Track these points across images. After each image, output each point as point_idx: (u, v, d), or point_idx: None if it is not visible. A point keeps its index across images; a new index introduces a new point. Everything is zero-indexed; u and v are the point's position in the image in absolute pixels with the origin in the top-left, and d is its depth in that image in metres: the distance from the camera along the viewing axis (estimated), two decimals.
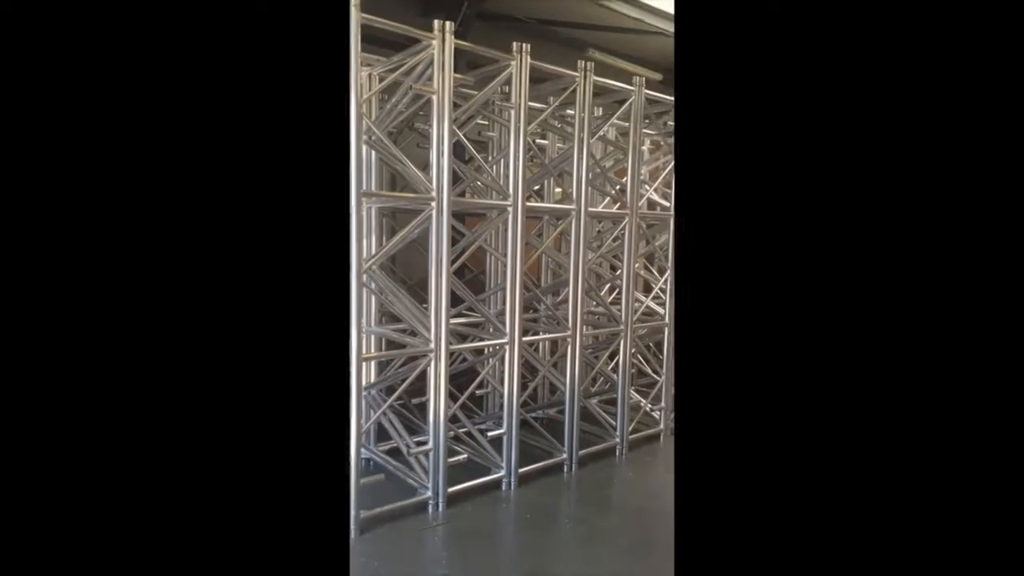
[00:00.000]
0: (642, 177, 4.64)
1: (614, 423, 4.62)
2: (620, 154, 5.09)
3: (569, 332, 4.18)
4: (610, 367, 4.85)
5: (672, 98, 4.61)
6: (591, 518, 3.67)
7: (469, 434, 4.15)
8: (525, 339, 3.99)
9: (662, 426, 4.95)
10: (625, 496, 4.05)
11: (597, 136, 4.38)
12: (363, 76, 3.78)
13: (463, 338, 4.24)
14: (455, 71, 3.37)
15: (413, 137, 4.62)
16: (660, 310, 4.94)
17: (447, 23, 3.31)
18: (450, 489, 3.67)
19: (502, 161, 4.38)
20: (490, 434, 3.94)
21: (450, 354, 3.61)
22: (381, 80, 3.80)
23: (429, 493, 3.61)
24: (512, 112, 3.69)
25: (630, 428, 4.67)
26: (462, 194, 4.36)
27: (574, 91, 3.96)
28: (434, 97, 3.36)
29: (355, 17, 2.91)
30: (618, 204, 4.52)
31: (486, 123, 4.87)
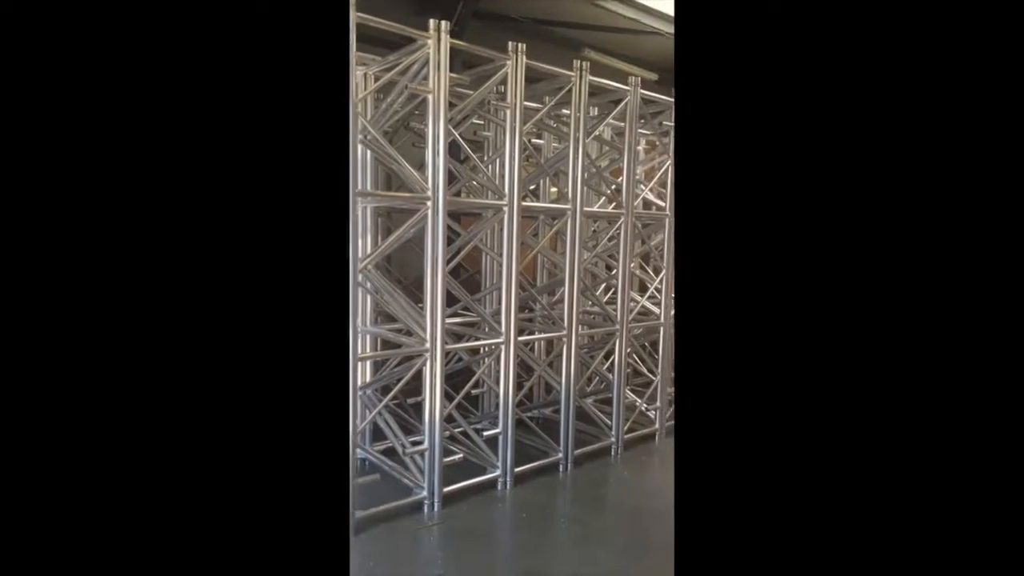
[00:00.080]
0: (637, 177, 4.64)
1: (609, 422, 4.62)
2: (616, 154, 5.10)
3: (565, 332, 4.18)
4: (605, 367, 4.85)
5: (667, 98, 4.62)
6: (587, 518, 3.67)
7: (465, 434, 4.14)
8: (521, 339, 3.99)
9: (657, 425, 4.96)
10: (621, 495, 4.06)
11: (593, 136, 4.38)
12: (358, 75, 3.77)
13: (459, 338, 4.24)
14: (451, 70, 3.37)
15: (409, 136, 4.62)
16: (655, 310, 4.95)
17: (443, 22, 3.31)
18: (446, 489, 3.66)
19: (498, 161, 4.38)
20: (486, 434, 3.94)
21: (446, 354, 3.60)
22: (376, 79, 3.80)
23: (425, 493, 3.61)
24: (508, 112, 3.69)
25: (625, 427, 4.68)
26: (458, 194, 4.36)
27: (570, 91, 3.96)
28: (430, 96, 3.35)
29: (351, 16, 2.90)
30: (613, 204, 4.53)
31: (482, 123, 4.87)
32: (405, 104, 3.85)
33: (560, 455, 4.27)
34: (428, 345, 3.50)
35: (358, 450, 3.65)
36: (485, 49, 3.60)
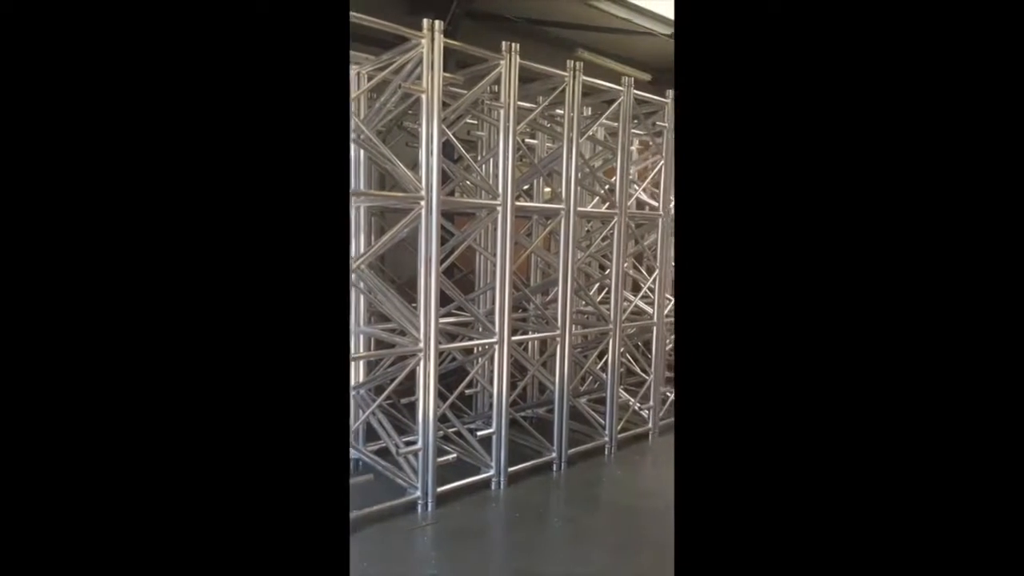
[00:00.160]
0: (631, 177, 4.65)
1: (603, 422, 4.63)
2: (609, 154, 5.10)
3: (558, 331, 4.18)
4: (599, 366, 4.86)
5: (661, 98, 4.63)
6: (580, 517, 3.67)
7: (458, 433, 4.14)
8: (514, 338, 3.99)
9: (651, 425, 4.97)
10: (614, 495, 4.06)
11: (586, 136, 4.38)
12: (351, 75, 3.76)
13: (452, 337, 4.23)
14: (444, 70, 3.36)
15: (402, 136, 4.61)
16: (649, 309, 4.96)
17: (436, 22, 3.30)
18: (439, 489, 3.66)
19: (491, 160, 4.38)
20: (479, 433, 3.94)
21: (439, 353, 3.60)
22: (370, 79, 3.79)
23: (418, 493, 3.60)
24: (501, 111, 3.69)
25: (619, 427, 4.69)
26: (451, 193, 4.36)
27: (563, 91, 3.96)
28: (423, 96, 3.35)
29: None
30: (607, 204, 4.53)
31: (475, 122, 4.87)
32: (398, 104, 3.84)
33: (554, 455, 4.27)
34: (421, 345, 3.50)
35: (351, 450, 3.64)
36: (479, 49, 3.60)
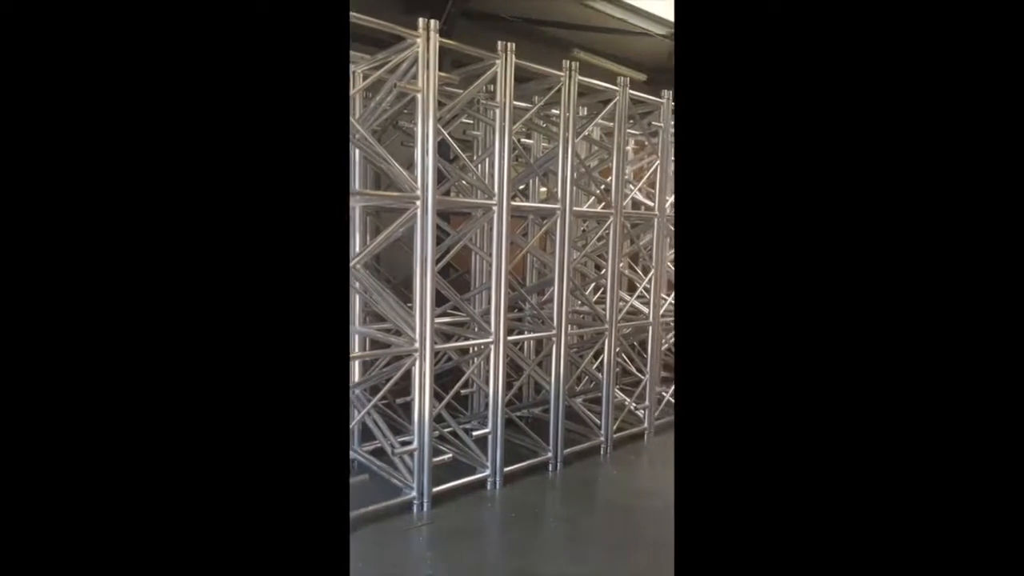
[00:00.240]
0: (626, 177, 4.65)
1: (599, 422, 4.63)
2: (605, 154, 5.11)
3: (554, 331, 4.18)
4: (595, 366, 4.86)
5: (656, 98, 4.64)
6: (576, 517, 3.67)
7: (454, 433, 4.14)
8: (510, 338, 3.99)
9: (646, 424, 4.98)
10: (610, 494, 4.07)
11: (582, 136, 4.38)
12: None
13: (448, 337, 4.23)
14: (440, 69, 3.36)
15: (397, 136, 4.60)
16: (644, 309, 4.96)
17: (432, 21, 3.30)
18: (435, 489, 3.65)
19: (487, 160, 4.37)
20: (475, 433, 3.93)
21: (435, 353, 3.59)
22: (365, 78, 3.78)
23: (414, 493, 3.60)
24: (497, 111, 3.68)
25: (615, 427, 4.69)
26: (447, 193, 4.35)
27: (559, 91, 3.96)
28: (419, 95, 3.34)
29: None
30: (603, 204, 4.54)
31: (471, 122, 4.86)
32: (394, 103, 3.83)
33: (549, 454, 4.27)
34: (417, 345, 3.49)
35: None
36: (474, 48, 3.60)
